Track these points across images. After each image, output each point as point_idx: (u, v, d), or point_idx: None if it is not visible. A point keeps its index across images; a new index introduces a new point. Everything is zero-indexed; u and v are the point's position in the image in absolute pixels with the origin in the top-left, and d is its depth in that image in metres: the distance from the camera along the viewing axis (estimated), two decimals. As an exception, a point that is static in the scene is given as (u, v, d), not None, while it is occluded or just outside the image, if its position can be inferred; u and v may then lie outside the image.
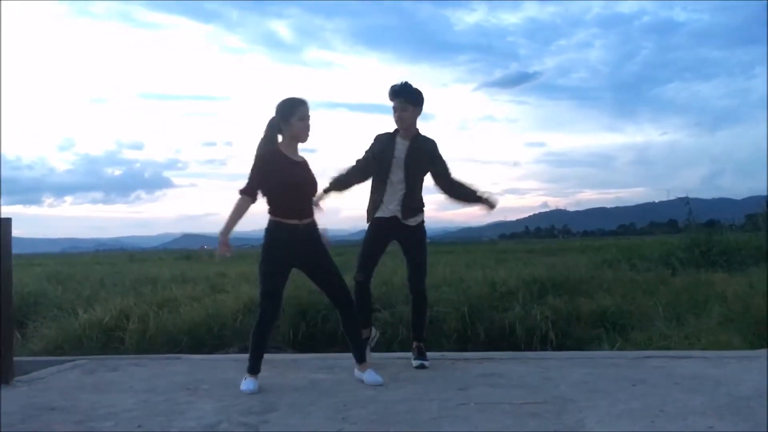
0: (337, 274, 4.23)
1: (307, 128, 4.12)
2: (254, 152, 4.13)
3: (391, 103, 4.56)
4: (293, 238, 4.05)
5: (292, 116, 4.07)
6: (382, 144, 4.60)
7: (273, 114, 4.12)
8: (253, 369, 4.05)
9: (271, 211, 4.09)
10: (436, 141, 4.66)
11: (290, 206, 4.06)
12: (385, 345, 6.48)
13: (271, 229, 4.08)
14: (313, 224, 4.17)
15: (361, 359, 4.21)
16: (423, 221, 4.68)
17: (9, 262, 4.36)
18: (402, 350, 5.16)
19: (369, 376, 4.09)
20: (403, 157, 4.52)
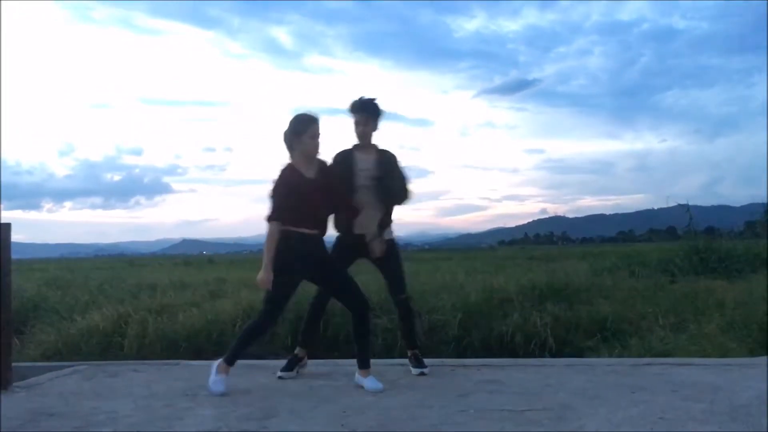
0: (351, 281, 4.29)
1: (317, 146, 4.19)
2: (276, 176, 4.17)
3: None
4: (304, 246, 4.11)
5: (304, 133, 4.13)
6: (344, 161, 4.53)
7: (286, 129, 4.18)
8: (232, 361, 4.13)
9: (283, 222, 4.12)
10: (396, 155, 4.58)
11: (300, 216, 4.10)
12: (385, 352, 6.47)
13: (284, 237, 4.10)
14: (321, 236, 4.23)
15: (364, 365, 4.23)
16: (393, 237, 4.62)
17: (8, 268, 4.37)
18: (401, 357, 5.15)
19: (370, 382, 4.11)
20: (376, 173, 4.46)
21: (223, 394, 4.00)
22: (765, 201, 12.47)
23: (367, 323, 4.32)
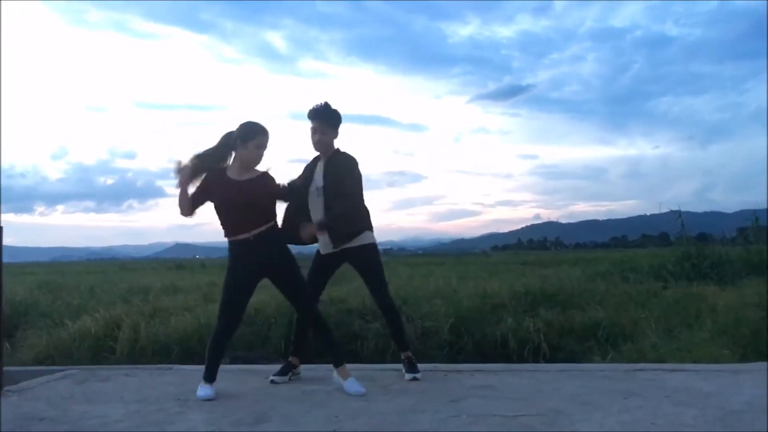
0: (301, 286, 4.28)
1: (259, 157, 4.16)
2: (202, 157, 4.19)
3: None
4: (248, 251, 4.10)
5: (250, 141, 4.11)
6: (308, 171, 4.49)
7: (233, 130, 4.16)
8: (212, 378, 4.13)
9: (224, 234, 4.18)
10: (356, 160, 4.43)
11: (234, 223, 4.13)
12: (377, 356, 6.47)
13: (228, 248, 4.19)
14: (266, 233, 4.14)
15: (336, 363, 4.23)
16: (369, 242, 4.49)
17: (-1, 271, 4.35)
18: (393, 361, 5.15)
19: (350, 385, 4.11)
20: (322, 183, 4.37)
21: (211, 399, 3.99)
22: (756, 207, 12.51)
23: (322, 327, 4.30)
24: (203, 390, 4.06)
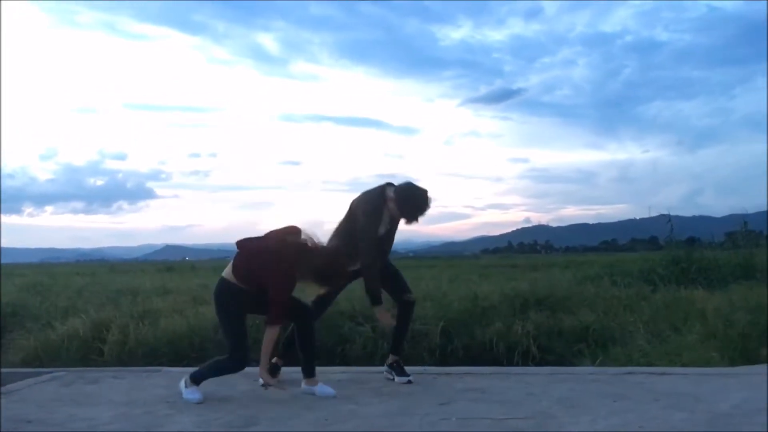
0: (301, 305, 4.31)
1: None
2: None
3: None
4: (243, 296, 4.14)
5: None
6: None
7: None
8: (198, 381, 4.14)
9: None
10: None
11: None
12: (366, 359, 6.46)
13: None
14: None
15: (308, 374, 4.25)
16: None
17: (-13, 272, 4.32)
18: (383, 364, 5.13)
19: (321, 388, 4.16)
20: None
21: (200, 402, 3.97)
22: (744, 212, 12.59)
23: (308, 334, 4.28)
24: (193, 393, 4.06)
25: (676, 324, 6.76)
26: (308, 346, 4.27)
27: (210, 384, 4.15)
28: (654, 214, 12.05)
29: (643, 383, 4.30)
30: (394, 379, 4.53)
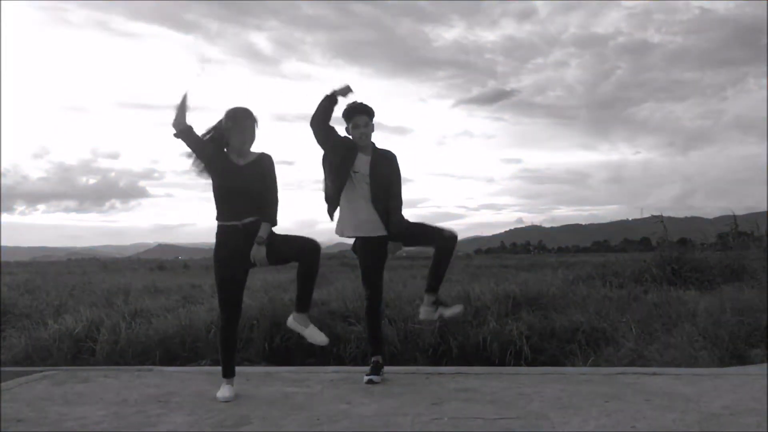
0: (296, 238, 4.20)
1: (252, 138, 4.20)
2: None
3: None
4: (235, 239, 4.07)
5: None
6: (348, 152, 4.58)
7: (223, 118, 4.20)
8: (228, 372, 4.15)
9: (216, 216, 4.15)
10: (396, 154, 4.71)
11: (227, 209, 4.11)
12: (360, 358, 6.47)
13: (216, 232, 4.15)
14: (255, 224, 4.10)
15: (302, 309, 4.20)
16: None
17: (-22, 271, 4.30)
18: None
19: (312, 332, 4.19)
20: (368, 172, 4.56)
21: (229, 401, 3.97)
22: (735, 213, 12.64)
23: (311, 268, 4.15)
24: (221, 391, 4.06)
25: (667, 325, 6.79)
26: (300, 276, 4.18)
27: (202, 383, 4.15)
28: (646, 215, 12.09)
29: (634, 383, 4.32)
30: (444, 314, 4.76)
